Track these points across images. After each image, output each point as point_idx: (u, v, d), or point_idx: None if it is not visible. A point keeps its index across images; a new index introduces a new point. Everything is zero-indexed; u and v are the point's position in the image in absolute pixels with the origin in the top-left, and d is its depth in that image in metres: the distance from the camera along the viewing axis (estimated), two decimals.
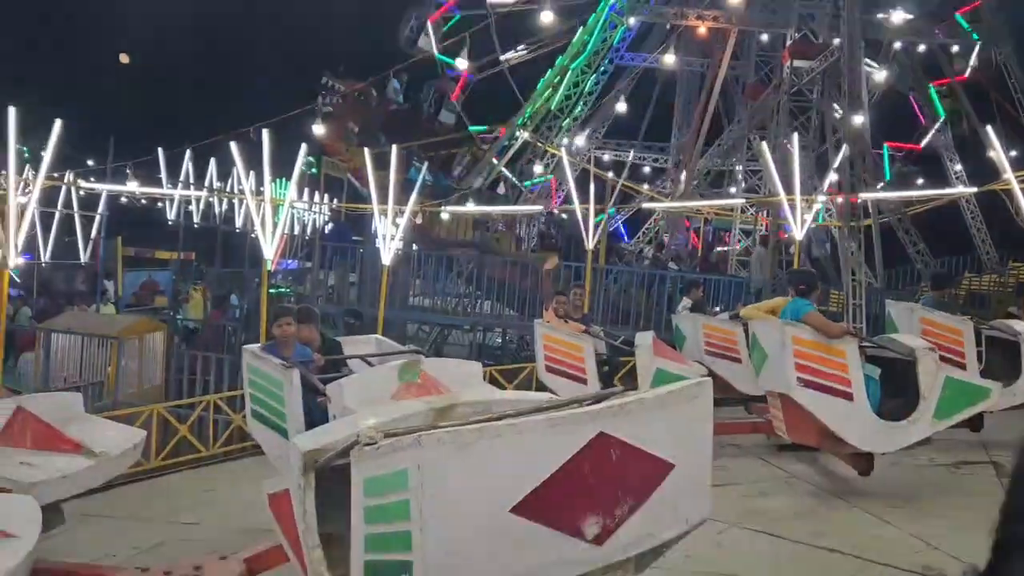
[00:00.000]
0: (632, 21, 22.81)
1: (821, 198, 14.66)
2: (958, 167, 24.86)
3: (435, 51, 23.83)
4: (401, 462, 2.60)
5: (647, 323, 14.39)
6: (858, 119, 17.67)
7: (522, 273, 16.47)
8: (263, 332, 10.05)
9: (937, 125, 24.79)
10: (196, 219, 23.05)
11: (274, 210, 11.19)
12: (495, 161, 22.86)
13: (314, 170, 23.77)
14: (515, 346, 18.65)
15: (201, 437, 9.18)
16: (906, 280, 22.28)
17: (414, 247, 18.14)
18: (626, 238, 27.65)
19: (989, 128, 13.44)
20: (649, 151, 29.15)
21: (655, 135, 29.09)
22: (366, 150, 13.23)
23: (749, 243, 22.90)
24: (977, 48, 23.35)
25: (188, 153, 22.38)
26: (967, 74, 23.77)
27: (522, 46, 24.83)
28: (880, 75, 23.54)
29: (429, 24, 23.77)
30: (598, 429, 2.84)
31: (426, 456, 2.56)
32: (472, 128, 24.29)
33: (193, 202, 23.22)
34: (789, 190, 13.28)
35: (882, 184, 23.42)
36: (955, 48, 23.98)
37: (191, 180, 22.86)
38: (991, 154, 13.85)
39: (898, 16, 21.72)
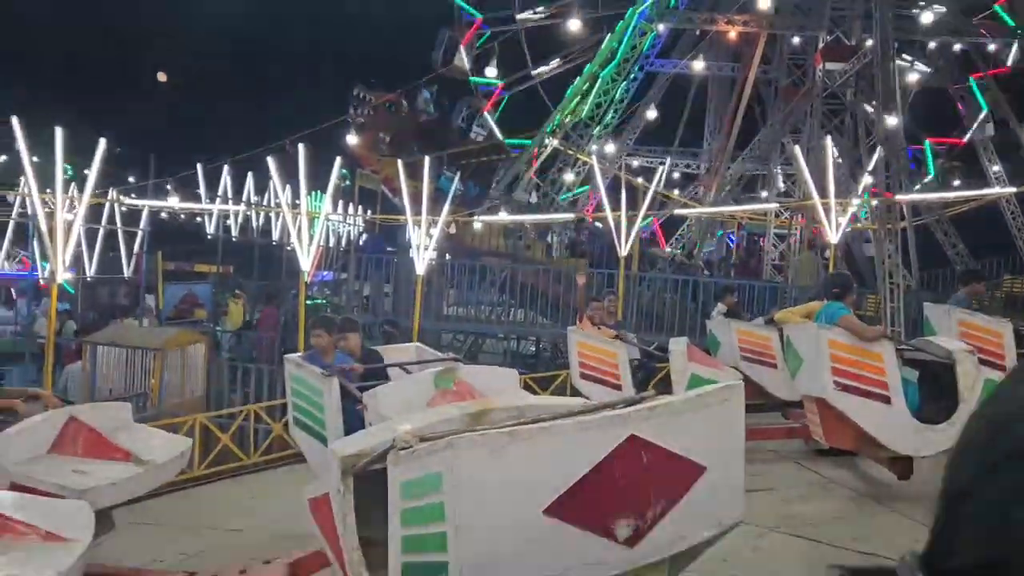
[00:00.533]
0: (661, 28, 22.77)
1: (856, 201, 14.48)
2: (997, 168, 24.40)
3: (468, 73, 24.07)
4: (435, 465, 2.68)
5: (681, 329, 14.34)
6: (892, 120, 17.45)
7: (554, 280, 16.53)
8: (301, 342, 10.24)
9: (980, 118, 24.25)
10: (234, 233, 23.50)
11: (310, 222, 11.40)
12: (525, 167, 22.97)
13: (348, 182, 24.15)
14: (549, 354, 18.72)
15: (242, 446, 9.36)
16: (946, 282, 21.92)
17: (447, 257, 18.30)
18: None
19: None
20: (682, 157, 29.07)
21: (687, 141, 29.00)
22: (398, 160, 13.40)
23: (784, 248, 22.69)
24: (1016, 44, 22.88)
25: (226, 168, 22.83)
26: (1009, 65, 23.25)
27: (554, 59, 24.98)
28: (913, 76, 23.23)
29: (461, 47, 24.00)
30: (629, 432, 2.89)
31: (459, 459, 2.64)
32: (507, 142, 24.48)
33: (231, 216, 23.69)
34: (824, 193, 13.18)
35: (928, 179, 23.05)
36: (992, 47, 23.53)
37: (229, 195, 23.31)
38: None
39: (927, 17, 21.36)
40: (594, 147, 22.99)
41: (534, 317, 17.67)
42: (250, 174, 23.42)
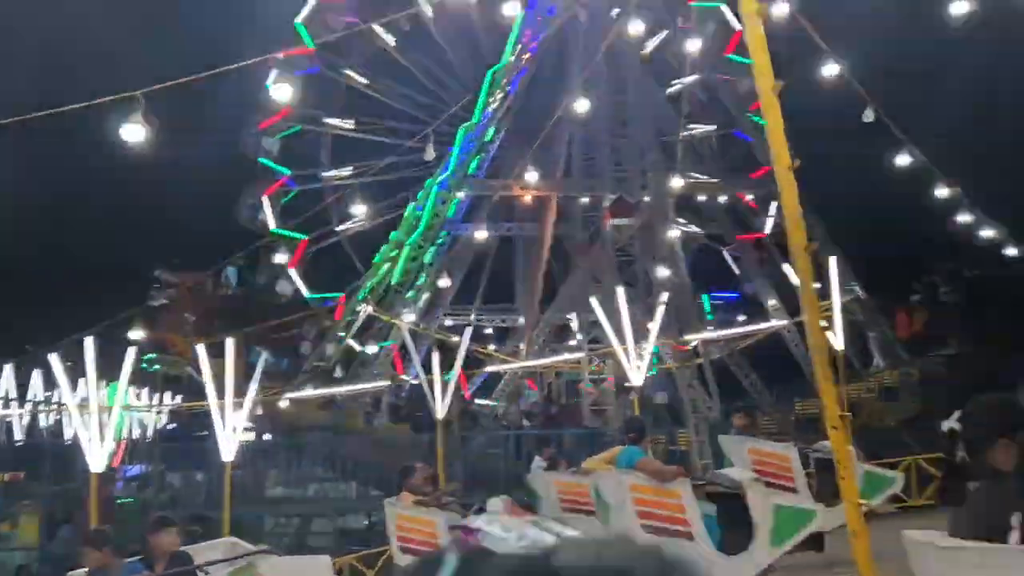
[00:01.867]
0: (461, 195, 24.08)
1: (648, 345, 15.53)
2: (773, 301, 27.04)
3: (272, 224, 24.26)
4: None
5: (509, 484, 14.34)
6: (671, 271, 19.14)
7: (376, 450, 16.26)
8: None
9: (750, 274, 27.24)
10: (18, 436, 21.42)
11: (109, 415, 10.66)
12: (342, 334, 22.91)
13: (156, 367, 22.89)
14: (383, 527, 18.04)
15: None
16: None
17: (266, 436, 17.59)
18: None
19: (787, 266, 14.92)
20: (497, 312, 30.07)
21: (502, 296, 30.16)
22: (201, 341, 12.99)
23: (598, 392, 23.61)
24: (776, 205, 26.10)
25: (8, 368, 21.10)
26: (767, 231, 26.39)
27: (359, 216, 25.69)
28: (687, 231, 25.87)
29: (264, 198, 24.29)
30: None
31: None
32: (311, 296, 24.48)
33: (15, 419, 21.67)
34: (622, 340, 13.98)
35: (711, 327, 25.21)
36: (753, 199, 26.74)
37: (11, 396, 21.43)
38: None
39: (678, 182, 23.97)
40: (406, 311, 23.37)
41: (364, 490, 17.15)
42: (36, 371, 21.74)
